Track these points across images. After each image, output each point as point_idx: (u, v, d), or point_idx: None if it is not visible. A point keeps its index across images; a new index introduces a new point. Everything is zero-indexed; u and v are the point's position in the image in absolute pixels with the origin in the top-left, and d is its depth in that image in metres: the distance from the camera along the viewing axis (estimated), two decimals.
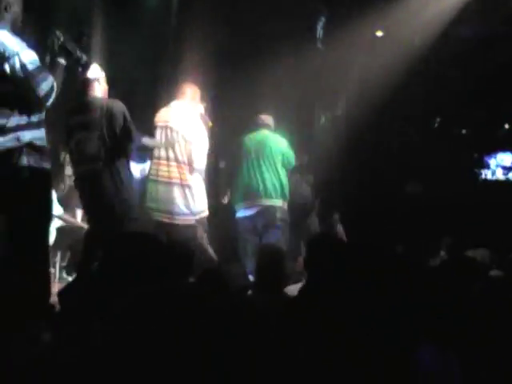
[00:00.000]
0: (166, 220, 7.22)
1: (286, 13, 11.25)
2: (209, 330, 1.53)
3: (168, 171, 7.24)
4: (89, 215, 6.70)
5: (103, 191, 6.21)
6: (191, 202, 7.28)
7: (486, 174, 13.34)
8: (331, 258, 3.80)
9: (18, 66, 4.50)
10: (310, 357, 2.57)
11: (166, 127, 7.37)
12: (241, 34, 11.03)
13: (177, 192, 7.22)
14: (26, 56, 4.56)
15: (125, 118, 6.26)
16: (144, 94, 9.99)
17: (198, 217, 7.35)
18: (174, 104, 7.56)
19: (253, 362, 1.79)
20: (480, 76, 12.44)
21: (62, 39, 4.75)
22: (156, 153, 7.32)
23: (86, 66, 4.97)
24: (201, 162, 7.42)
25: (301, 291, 4.00)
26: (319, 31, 12.35)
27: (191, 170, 7.32)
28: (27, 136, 4.58)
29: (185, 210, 7.24)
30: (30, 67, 4.53)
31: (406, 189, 13.16)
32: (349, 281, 2.46)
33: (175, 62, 10.41)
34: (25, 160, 4.55)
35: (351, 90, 11.60)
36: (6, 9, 4.59)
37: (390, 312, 2.18)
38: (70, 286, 3.98)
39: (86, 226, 7.68)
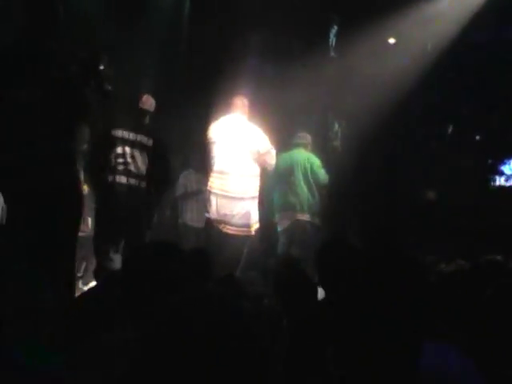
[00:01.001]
0: (230, 231, 7.39)
1: (299, 21, 11.30)
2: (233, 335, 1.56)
3: (234, 185, 7.37)
4: (112, 224, 6.71)
5: (139, 206, 6.69)
6: (252, 213, 7.45)
7: (501, 180, 13.30)
8: (343, 262, 3.81)
9: (75, 76, 4.52)
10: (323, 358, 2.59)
11: (231, 141, 7.42)
12: (254, 42, 11.10)
13: (242, 205, 7.40)
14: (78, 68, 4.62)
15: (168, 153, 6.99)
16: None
17: (255, 227, 7.58)
18: (230, 117, 7.58)
19: (269, 366, 1.80)
20: (493, 82, 12.43)
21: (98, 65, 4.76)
22: (218, 166, 7.40)
23: (109, 96, 4.96)
24: (271, 171, 7.74)
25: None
26: (332, 39, 12.39)
27: (258, 181, 7.55)
28: (65, 147, 4.59)
29: (247, 222, 7.43)
30: (82, 80, 4.57)
31: (425, 197, 13.12)
32: (362, 284, 2.47)
33: (189, 76, 10.53)
34: (63, 170, 4.56)
35: (364, 97, 11.60)
36: (56, 21, 4.60)
37: (402, 314, 2.20)
38: (85, 294, 4.01)
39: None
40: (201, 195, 9.84)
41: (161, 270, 2.70)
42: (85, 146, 7.58)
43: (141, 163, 6.68)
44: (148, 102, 6.90)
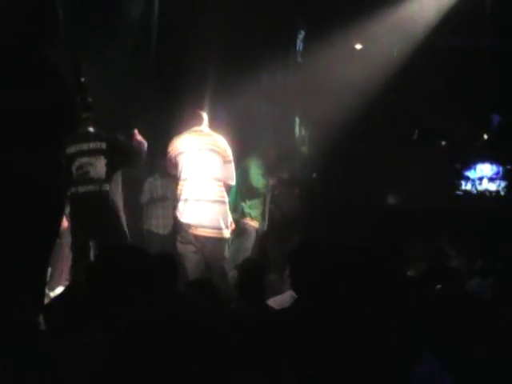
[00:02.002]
0: (204, 234, 7.49)
1: (267, 27, 11.33)
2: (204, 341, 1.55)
3: (205, 190, 7.51)
4: (85, 232, 7.22)
5: (107, 209, 7.21)
6: (224, 217, 7.62)
7: (466, 185, 13.43)
8: (315, 268, 3.82)
9: (72, 89, 4.46)
10: (298, 369, 2.58)
11: (203, 149, 7.59)
12: (221, 48, 11.11)
13: (218, 208, 7.53)
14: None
15: (128, 146, 7.36)
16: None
17: (230, 230, 7.76)
18: (199, 129, 7.73)
19: (237, 372, 1.80)
20: (460, 87, 12.56)
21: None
22: (188, 174, 7.54)
23: (92, 109, 4.93)
24: (234, 179, 7.93)
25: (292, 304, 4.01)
26: (299, 45, 12.44)
27: (226, 187, 7.73)
28: (58, 157, 4.51)
29: (218, 225, 7.55)
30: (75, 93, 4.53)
31: (387, 201, 13.22)
32: (336, 290, 2.47)
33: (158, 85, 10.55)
34: (54, 178, 4.48)
35: (331, 102, 11.66)
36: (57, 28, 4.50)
37: (382, 323, 2.20)
38: (55, 300, 3.97)
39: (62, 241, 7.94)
40: (166, 202, 9.82)
41: (128, 273, 2.68)
42: None
43: (99, 168, 7.16)
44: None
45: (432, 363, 2.56)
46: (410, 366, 2.17)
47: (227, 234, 7.64)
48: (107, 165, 7.21)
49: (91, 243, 7.28)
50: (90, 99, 4.71)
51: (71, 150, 7.09)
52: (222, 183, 7.61)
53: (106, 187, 7.22)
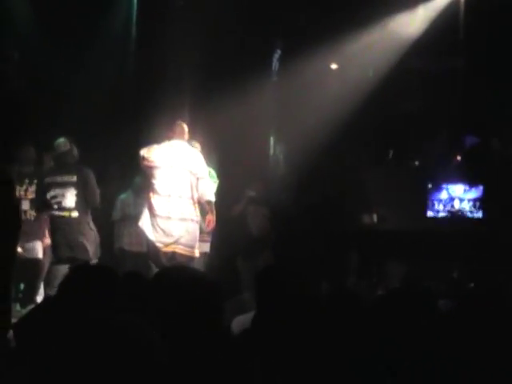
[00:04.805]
0: (181, 251, 7.65)
1: (242, 45, 11.38)
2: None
3: (177, 207, 7.63)
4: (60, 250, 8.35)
5: (73, 234, 8.32)
6: (195, 236, 7.79)
7: (439, 205, 13.47)
8: (281, 292, 3.82)
9: None
10: None
11: (175, 167, 7.67)
12: (197, 66, 11.15)
13: (188, 226, 7.66)
14: None
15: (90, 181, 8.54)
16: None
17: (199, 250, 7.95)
18: (172, 143, 7.80)
19: None
20: (433, 108, 12.64)
21: None
22: (161, 190, 7.63)
23: None
24: (213, 196, 7.91)
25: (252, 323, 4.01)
26: (275, 64, 12.48)
27: (204, 205, 7.82)
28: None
29: (191, 243, 7.73)
30: None
31: (361, 221, 13.23)
32: (298, 314, 2.48)
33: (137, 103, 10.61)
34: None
35: (306, 122, 11.70)
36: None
37: (345, 345, 2.21)
38: (24, 318, 3.94)
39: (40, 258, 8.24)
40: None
41: (93, 292, 2.68)
42: (31, 168, 8.90)
43: (70, 198, 8.21)
44: (60, 146, 8.34)
45: None
46: None
47: (197, 253, 7.68)
48: (76, 195, 8.24)
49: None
50: None
51: (47, 180, 8.33)
52: (192, 201, 7.61)
53: (75, 214, 8.25)
